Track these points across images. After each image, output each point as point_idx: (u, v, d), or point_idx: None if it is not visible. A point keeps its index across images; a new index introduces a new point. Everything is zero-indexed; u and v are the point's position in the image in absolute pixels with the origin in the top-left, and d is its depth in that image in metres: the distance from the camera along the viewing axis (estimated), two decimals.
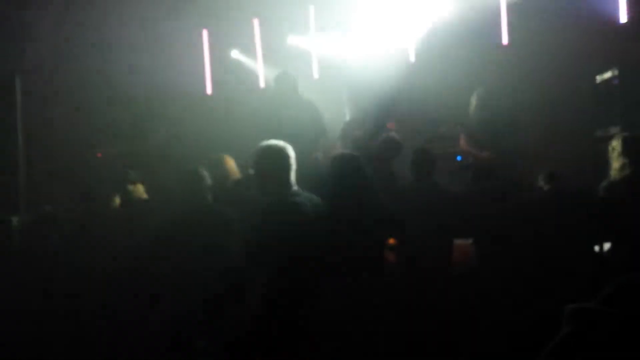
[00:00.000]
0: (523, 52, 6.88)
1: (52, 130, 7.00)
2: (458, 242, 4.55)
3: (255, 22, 8.35)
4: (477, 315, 3.80)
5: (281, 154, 3.52)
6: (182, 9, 7.96)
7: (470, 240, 4.59)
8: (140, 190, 5.17)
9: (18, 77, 5.46)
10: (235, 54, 8.58)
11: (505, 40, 7.13)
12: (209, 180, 4.18)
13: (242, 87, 8.08)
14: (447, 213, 4.41)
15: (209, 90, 8.60)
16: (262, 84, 8.33)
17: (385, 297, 3.76)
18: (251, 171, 3.65)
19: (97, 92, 7.41)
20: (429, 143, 6.77)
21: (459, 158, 6.61)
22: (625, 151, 4.21)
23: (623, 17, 6.61)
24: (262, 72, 8.37)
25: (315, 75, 8.14)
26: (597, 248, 4.23)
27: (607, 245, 4.21)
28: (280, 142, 3.55)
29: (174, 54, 8.08)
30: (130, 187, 5.08)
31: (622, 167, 4.20)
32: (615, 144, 4.28)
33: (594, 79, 6.48)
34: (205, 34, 8.62)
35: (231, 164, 4.91)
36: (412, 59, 7.73)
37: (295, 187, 3.53)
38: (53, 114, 7.05)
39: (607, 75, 6.25)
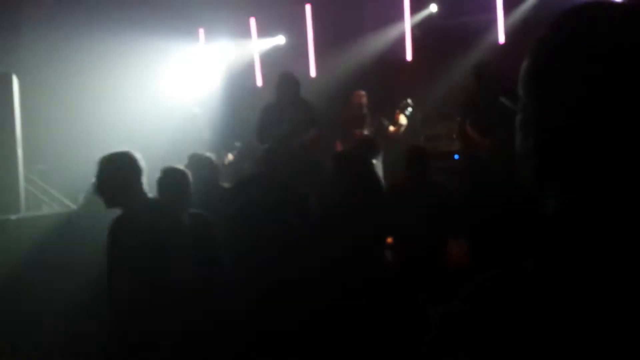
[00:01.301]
0: (520, 51, 6.88)
1: (50, 129, 6.99)
2: (453, 240, 4.56)
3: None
4: None
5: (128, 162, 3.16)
6: (178, 8, 7.96)
7: (465, 238, 4.60)
8: None
9: (15, 76, 5.44)
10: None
11: (502, 39, 7.15)
12: None
13: None
14: (442, 211, 4.42)
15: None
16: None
17: (382, 295, 3.77)
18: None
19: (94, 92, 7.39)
20: (427, 142, 6.79)
21: (456, 157, 6.61)
22: None
23: None
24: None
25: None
26: None
27: None
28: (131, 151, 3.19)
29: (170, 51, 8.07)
30: None
31: None
32: None
33: None
34: (201, 32, 8.62)
35: None
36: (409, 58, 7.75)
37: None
38: (50, 113, 7.04)
39: None
